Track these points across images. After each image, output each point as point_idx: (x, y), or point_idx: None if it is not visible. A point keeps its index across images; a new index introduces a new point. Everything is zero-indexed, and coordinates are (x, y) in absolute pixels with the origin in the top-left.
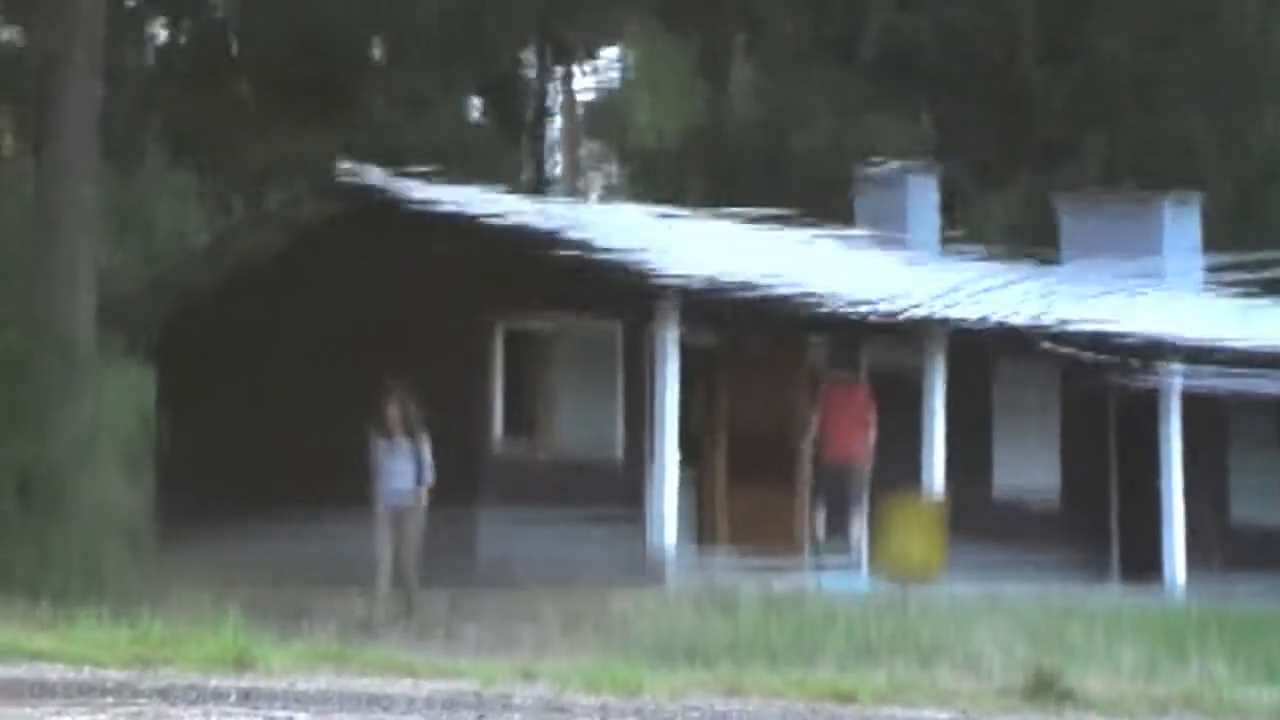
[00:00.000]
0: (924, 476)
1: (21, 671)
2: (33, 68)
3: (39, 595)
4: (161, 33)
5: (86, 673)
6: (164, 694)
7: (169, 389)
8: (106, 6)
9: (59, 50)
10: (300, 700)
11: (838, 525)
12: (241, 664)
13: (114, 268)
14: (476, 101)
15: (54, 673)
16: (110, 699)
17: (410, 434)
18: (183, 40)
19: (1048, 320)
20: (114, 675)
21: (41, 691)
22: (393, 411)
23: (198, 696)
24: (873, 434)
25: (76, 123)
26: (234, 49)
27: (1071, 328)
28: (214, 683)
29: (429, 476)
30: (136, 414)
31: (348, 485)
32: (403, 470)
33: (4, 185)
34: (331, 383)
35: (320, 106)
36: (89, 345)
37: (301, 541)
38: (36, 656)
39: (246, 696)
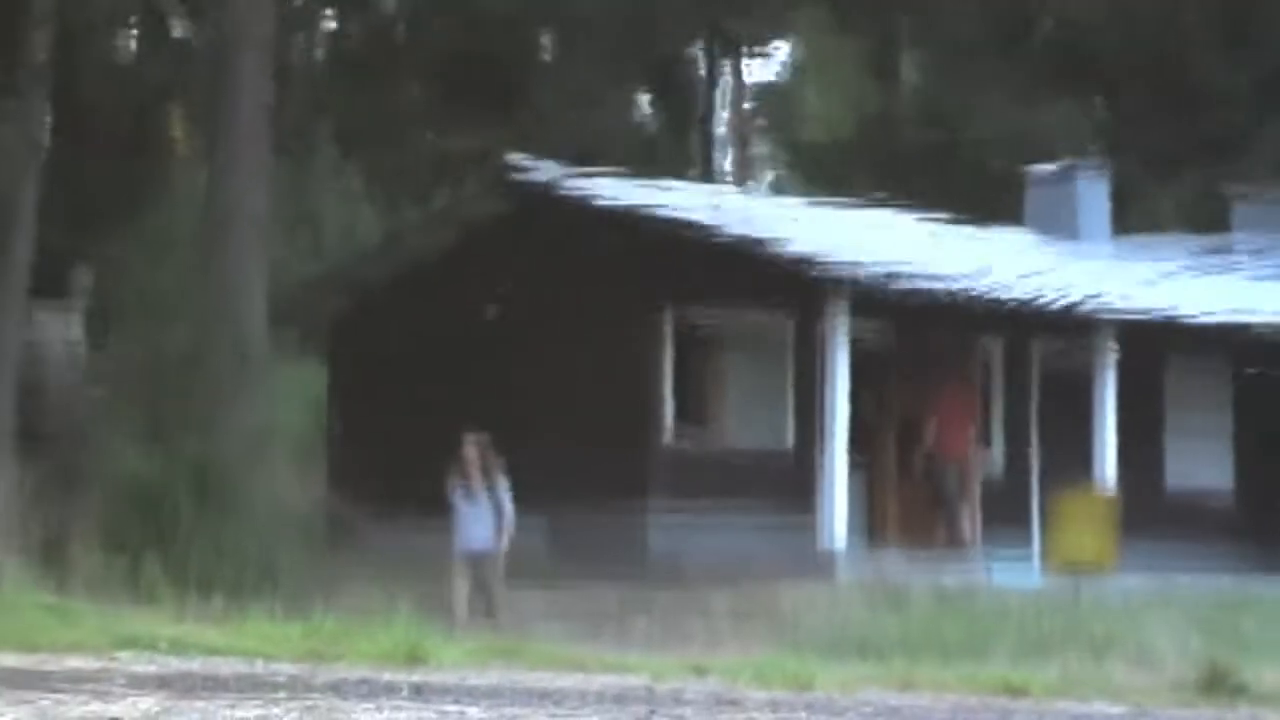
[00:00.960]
0: (1096, 469)
1: (195, 666)
2: (204, 68)
3: (212, 590)
4: (331, 31)
5: (259, 667)
6: (336, 689)
7: (339, 386)
8: (276, 5)
9: (229, 50)
10: (471, 695)
11: (952, 523)
12: (413, 659)
13: (285, 266)
14: (645, 96)
15: (227, 667)
16: (283, 694)
17: (489, 481)
18: (352, 38)
19: (1220, 312)
20: (286, 670)
21: (215, 686)
22: (471, 457)
23: (369, 691)
24: (974, 431)
25: (247, 122)
26: (403, 46)
27: (1243, 319)
28: (386, 677)
29: (510, 524)
30: (307, 410)
31: (515, 480)
32: (482, 518)
33: (176, 185)
34: (502, 380)
35: (489, 103)
36: (261, 343)
37: None
38: (210, 651)
39: (418, 691)
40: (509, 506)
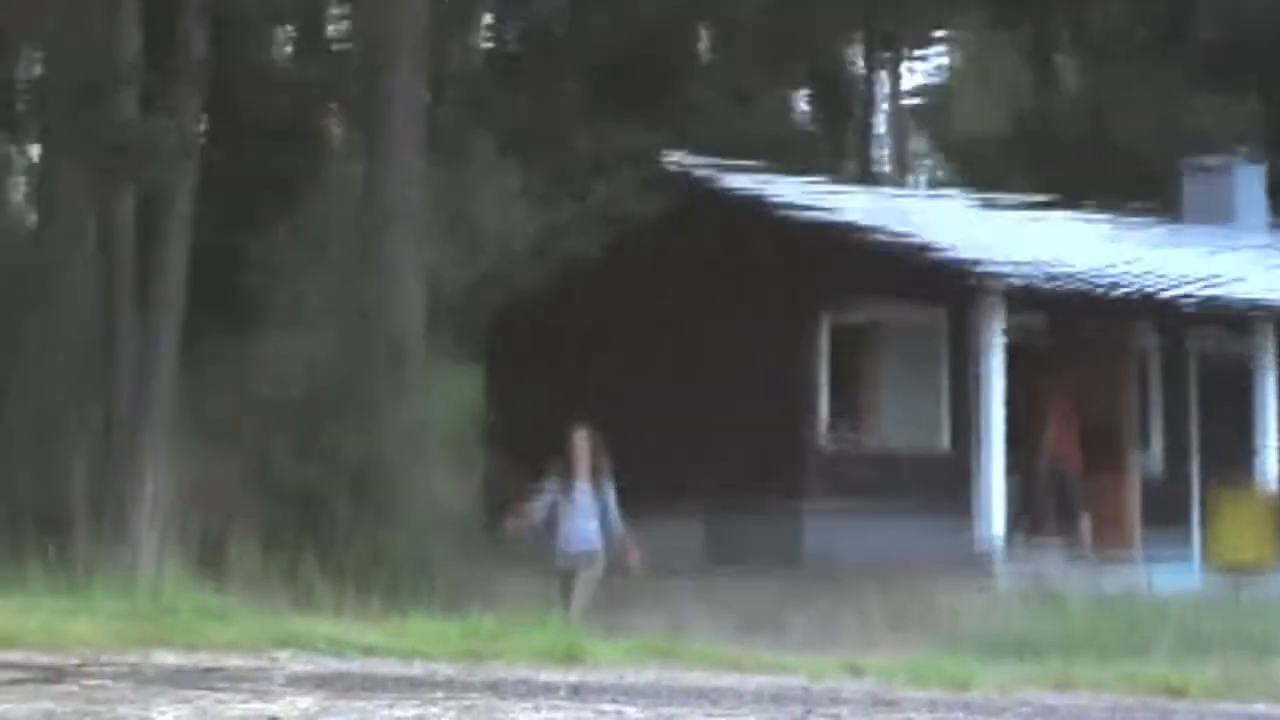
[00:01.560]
0: (1257, 468)
1: (354, 666)
2: (360, 68)
3: (370, 590)
4: (487, 30)
5: (417, 667)
6: (494, 688)
7: (496, 385)
8: (432, 5)
9: (386, 50)
10: (629, 694)
11: (1067, 525)
12: (570, 658)
13: (441, 266)
14: (803, 94)
15: (385, 667)
16: (441, 693)
17: (596, 480)
18: (509, 37)
19: None
20: (444, 669)
21: (373, 685)
22: (580, 453)
23: (527, 690)
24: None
25: (403, 122)
26: (560, 45)
27: None
28: (543, 677)
29: (618, 527)
30: (464, 411)
31: (668, 481)
32: (583, 518)
33: (333, 185)
34: (657, 378)
35: (646, 101)
36: (418, 343)
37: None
38: (369, 651)
39: (575, 691)
40: (614, 508)
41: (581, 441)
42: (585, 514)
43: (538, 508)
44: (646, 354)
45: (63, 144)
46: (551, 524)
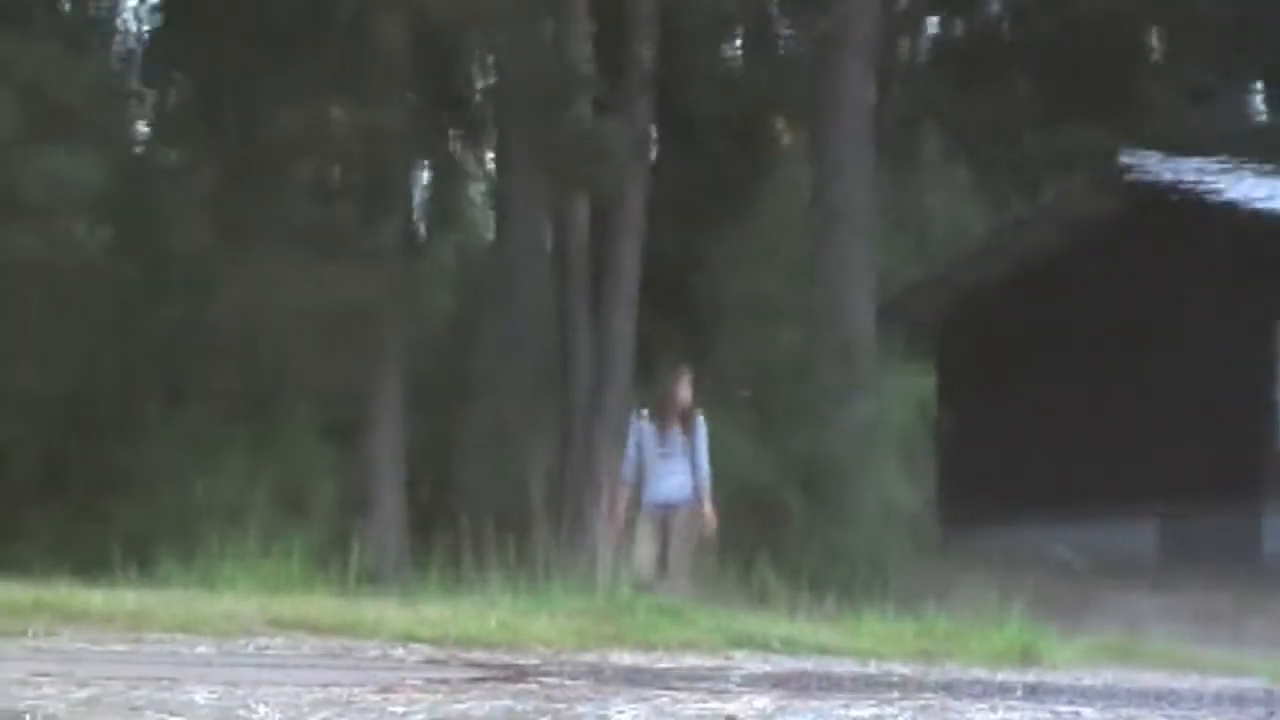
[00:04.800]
0: None
1: (809, 665)
2: (807, 70)
3: (824, 589)
4: (935, 30)
5: (872, 667)
6: (949, 688)
7: (947, 385)
8: (880, 5)
9: (834, 52)
10: (1085, 695)
11: None
12: (1026, 658)
13: (890, 266)
14: (1260, 90)
15: (840, 666)
16: (896, 693)
17: (687, 428)
18: (957, 36)
19: None
20: (899, 669)
21: (829, 685)
22: (683, 398)
23: (983, 691)
24: None
25: (851, 122)
26: (1008, 44)
27: None
28: (999, 677)
29: (706, 480)
30: (915, 410)
31: (1119, 481)
32: (675, 468)
33: (782, 185)
34: (1109, 377)
35: (1098, 99)
36: (868, 343)
37: (1080, 536)
38: (823, 650)
39: (1032, 691)
40: (704, 459)
41: (683, 384)
42: (679, 462)
43: (629, 456)
44: (1098, 353)
45: (518, 151)
46: (641, 473)
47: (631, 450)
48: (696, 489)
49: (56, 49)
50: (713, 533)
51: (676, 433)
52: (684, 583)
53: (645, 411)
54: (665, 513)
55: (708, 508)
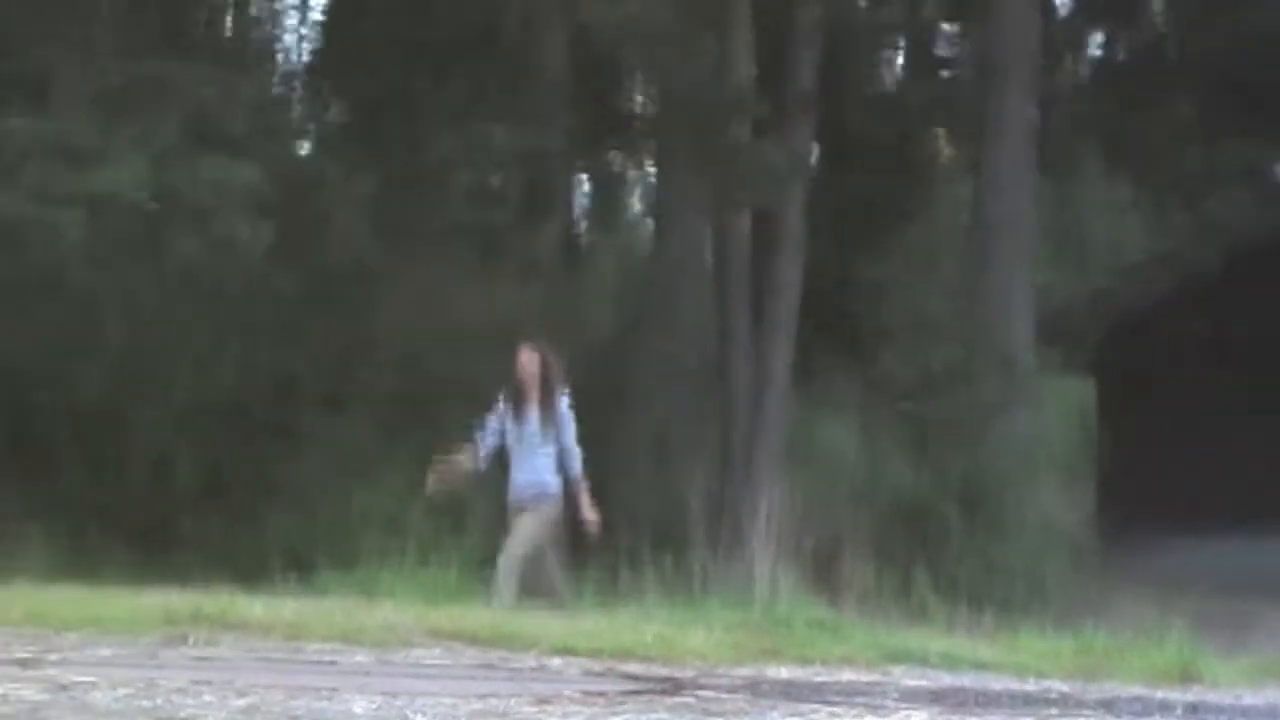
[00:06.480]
0: None
1: (967, 681)
2: (968, 88)
3: (982, 605)
4: (1098, 47)
5: (1031, 683)
6: (1108, 706)
7: (1106, 400)
8: (1042, 24)
9: (995, 70)
10: (1246, 715)
11: None
12: (1186, 677)
13: (1050, 282)
14: None
15: (998, 683)
16: (1055, 710)
17: (547, 406)
18: (1120, 54)
19: None
20: (1058, 686)
21: (986, 701)
22: (527, 372)
23: (1142, 709)
24: None
25: (1012, 139)
26: (1172, 62)
27: None
28: (1159, 695)
29: (575, 467)
30: (1075, 427)
31: None
32: (533, 456)
33: (942, 204)
34: (1268, 394)
35: (1259, 114)
36: (1027, 359)
37: (1242, 551)
38: (980, 666)
39: (1192, 710)
40: (572, 440)
41: (529, 361)
42: (536, 448)
43: (484, 441)
44: (1259, 366)
45: (678, 165)
46: (502, 462)
47: (486, 436)
48: (569, 483)
49: (218, 70)
50: (595, 524)
51: (533, 418)
52: (505, 595)
53: (503, 398)
54: (524, 506)
55: (585, 507)
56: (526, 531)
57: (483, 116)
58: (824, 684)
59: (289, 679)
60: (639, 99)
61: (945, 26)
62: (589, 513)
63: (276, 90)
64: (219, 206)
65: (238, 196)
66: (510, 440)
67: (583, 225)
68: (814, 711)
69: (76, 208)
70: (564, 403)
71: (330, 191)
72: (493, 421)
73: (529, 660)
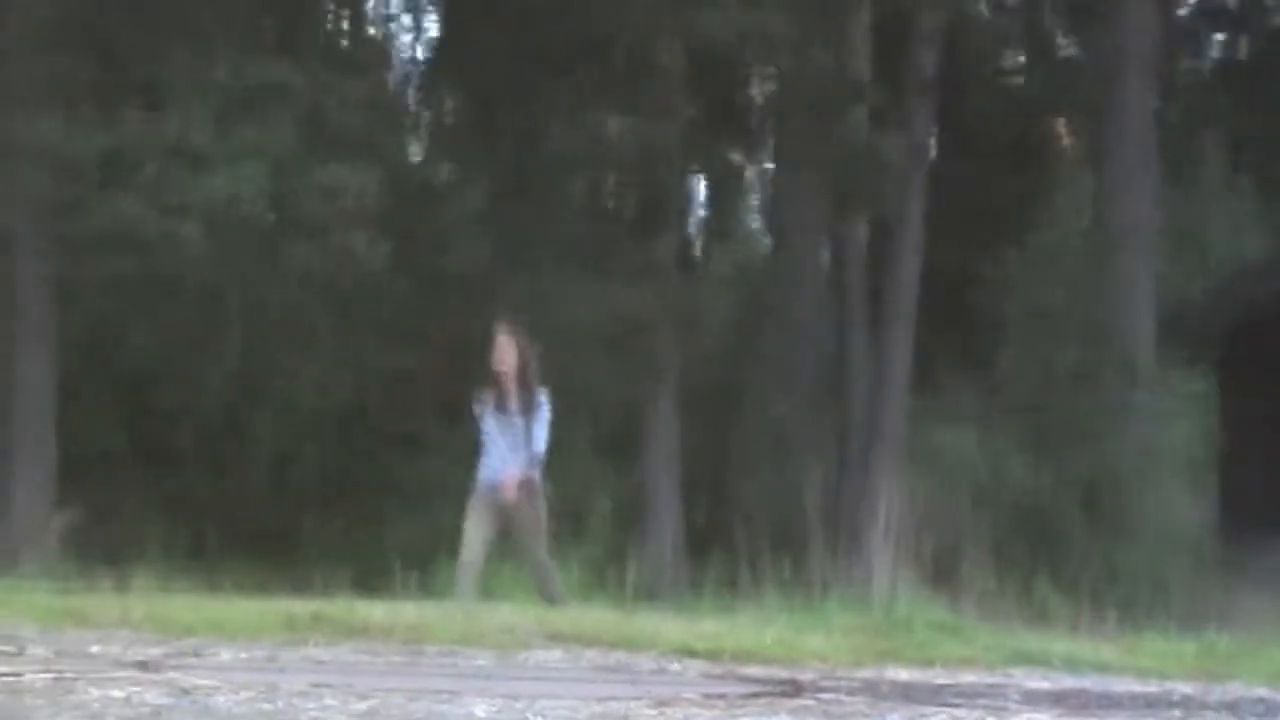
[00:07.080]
0: None
1: (1089, 683)
2: (1089, 84)
3: (1104, 607)
4: (1218, 46)
5: (1153, 686)
6: (1232, 708)
7: (1229, 401)
8: (1163, 21)
9: (1115, 66)
10: None
11: None
12: None
13: (1172, 280)
14: None
15: (1120, 685)
16: (1178, 712)
17: (525, 394)
18: (1241, 52)
19: None
20: (1181, 688)
21: (1108, 703)
22: (505, 355)
23: (1266, 711)
24: None
25: (1134, 137)
26: None
27: None
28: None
29: (538, 457)
30: (1197, 427)
31: None
32: (515, 446)
33: (1062, 200)
34: None
35: None
36: (1149, 359)
37: None
38: (1103, 668)
39: None
40: (541, 429)
41: (504, 344)
42: (517, 439)
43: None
44: None
45: (796, 163)
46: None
47: (484, 439)
48: (526, 463)
49: (333, 73)
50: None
51: (514, 412)
52: (555, 593)
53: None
54: (496, 495)
55: (536, 492)
56: (539, 530)
57: (598, 112)
58: (944, 686)
59: (409, 682)
60: (756, 95)
61: (1067, 19)
62: (528, 499)
63: (391, 90)
64: (336, 217)
65: (354, 207)
66: (492, 431)
67: (700, 228)
68: (935, 714)
69: (194, 216)
70: (542, 393)
71: (446, 197)
72: (487, 418)
73: (648, 662)
